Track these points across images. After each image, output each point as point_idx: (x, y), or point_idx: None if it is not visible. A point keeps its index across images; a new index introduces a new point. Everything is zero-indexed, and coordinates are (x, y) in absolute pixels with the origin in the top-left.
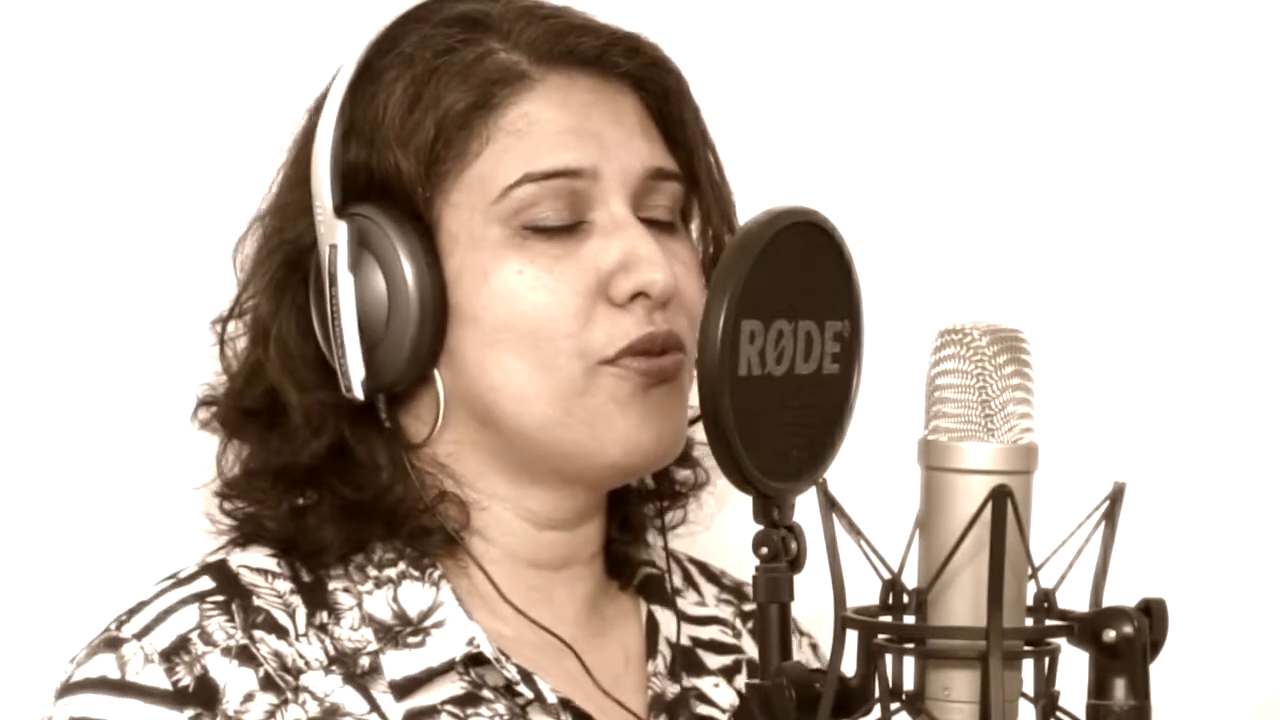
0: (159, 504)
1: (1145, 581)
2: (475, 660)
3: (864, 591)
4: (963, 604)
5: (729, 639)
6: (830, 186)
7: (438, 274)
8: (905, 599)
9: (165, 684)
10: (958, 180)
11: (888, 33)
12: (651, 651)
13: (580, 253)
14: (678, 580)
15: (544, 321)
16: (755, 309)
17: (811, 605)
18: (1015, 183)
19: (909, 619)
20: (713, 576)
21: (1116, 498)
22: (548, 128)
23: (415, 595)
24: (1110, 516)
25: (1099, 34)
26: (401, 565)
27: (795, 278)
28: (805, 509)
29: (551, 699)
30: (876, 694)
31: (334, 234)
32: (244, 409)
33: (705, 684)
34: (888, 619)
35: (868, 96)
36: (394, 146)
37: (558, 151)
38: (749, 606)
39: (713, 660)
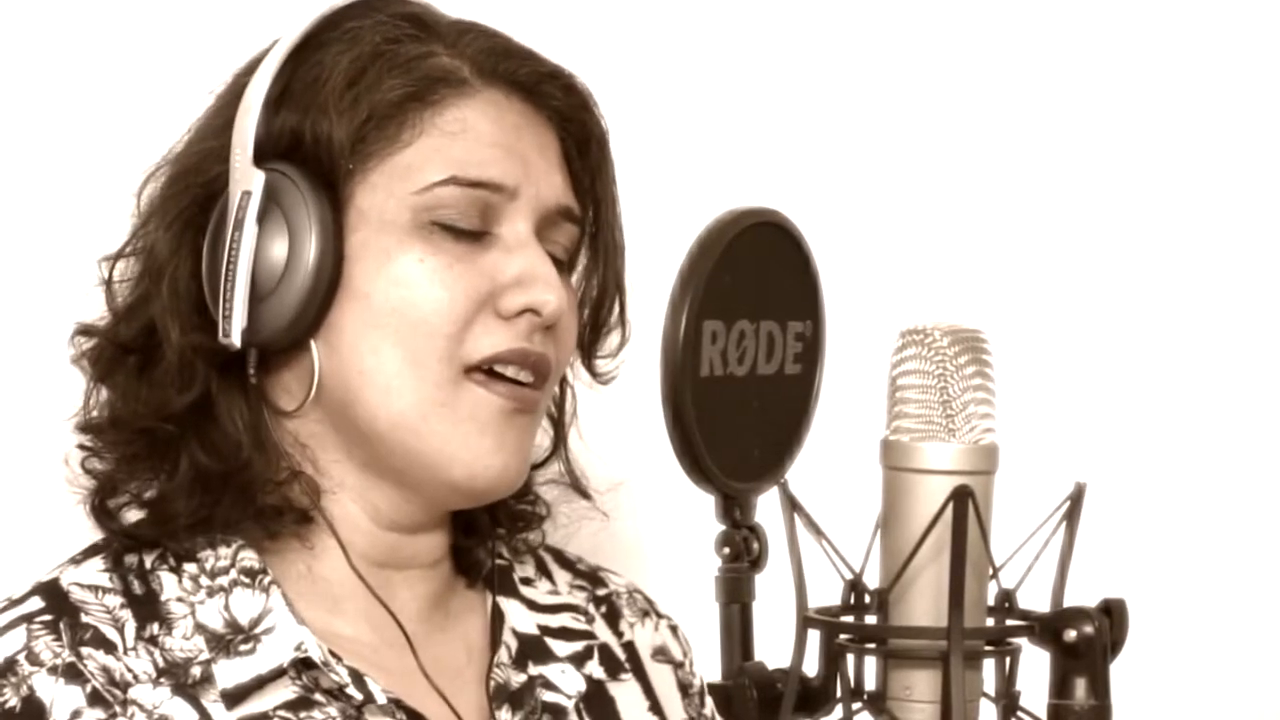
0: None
1: (1105, 582)
2: (307, 664)
3: (826, 591)
4: (924, 604)
5: (580, 625)
6: (792, 187)
7: (339, 245)
8: (867, 599)
9: None
10: (919, 181)
11: (852, 34)
12: (495, 643)
13: (481, 260)
14: (530, 570)
15: (430, 314)
16: (717, 309)
17: (773, 605)
18: (976, 184)
19: (871, 619)
20: (567, 563)
21: (1077, 498)
22: (481, 137)
23: (246, 603)
24: (1071, 517)
25: (1060, 35)
26: (233, 573)
27: (757, 278)
28: (767, 509)
29: (382, 700)
30: (838, 694)
31: (249, 181)
32: (120, 343)
33: (552, 671)
34: (849, 619)
35: (830, 97)
36: (329, 114)
37: (488, 164)
38: (602, 591)
39: (561, 648)
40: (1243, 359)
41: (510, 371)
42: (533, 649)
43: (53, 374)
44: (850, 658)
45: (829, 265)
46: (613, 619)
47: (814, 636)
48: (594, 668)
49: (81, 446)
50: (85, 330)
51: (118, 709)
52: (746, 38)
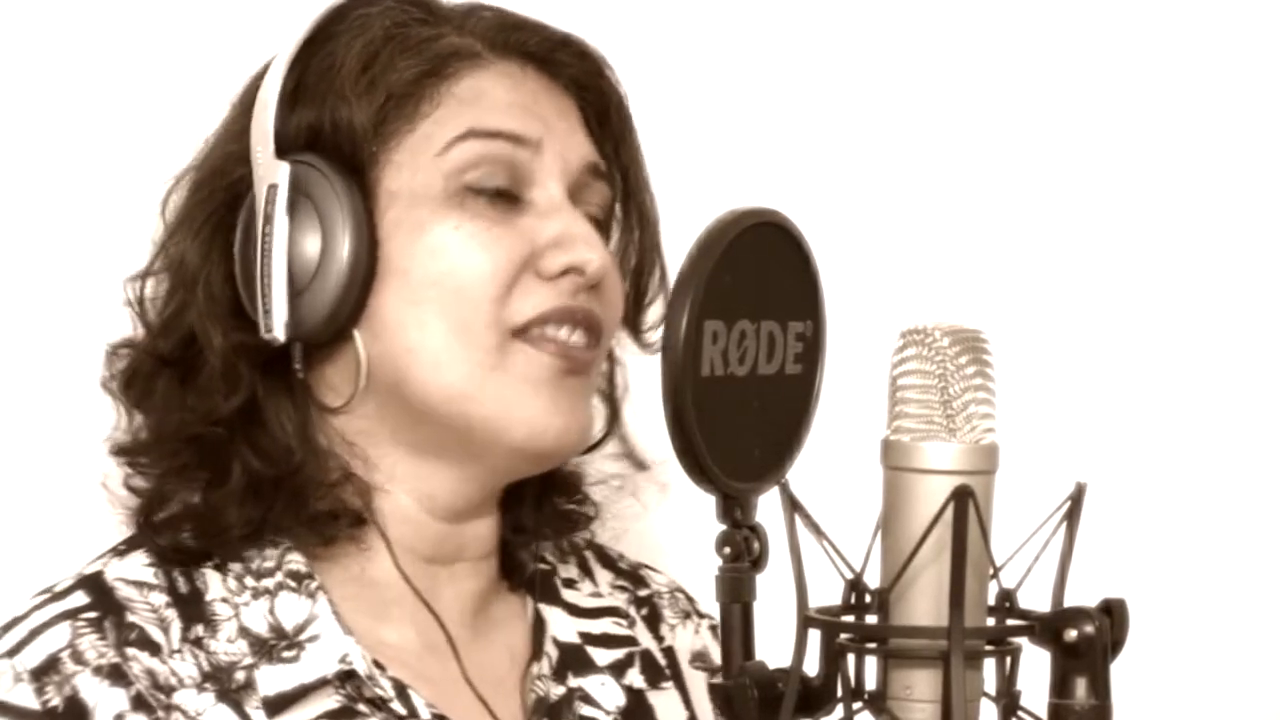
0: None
1: (1105, 582)
2: (351, 674)
3: (826, 591)
4: (925, 604)
5: (622, 630)
6: (792, 187)
7: (372, 229)
8: (867, 599)
9: (34, 704)
10: (919, 181)
11: (852, 35)
12: (537, 653)
13: (518, 223)
14: (572, 570)
15: (473, 281)
16: (718, 309)
17: (773, 605)
18: (976, 184)
19: (871, 619)
20: (609, 561)
21: (1077, 498)
22: (498, 100)
23: (292, 607)
24: (1071, 517)
25: (1060, 35)
26: (279, 576)
27: (758, 278)
28: (768, 509)
29: (426, 715)
30: (839, 694)
31: (273, 175)
32: (159, 356)
33: (591, 683)
34: (850, 619)
35: (830, 97)
36: (348, 100)
37: (505, 117)
38: (644, 592)
39: (602, 656)
40: (1243, 359)
41: (563, 334)
42: (573, 659)
43: (80, 397)
44: (851, 657)
45: (830, 265)
46: (653, 622)
47: (814, 636)
48: (634, 677)
49: (128, 464)
50: (122, 346)
51: (161, 714)
52: (746, 38)
